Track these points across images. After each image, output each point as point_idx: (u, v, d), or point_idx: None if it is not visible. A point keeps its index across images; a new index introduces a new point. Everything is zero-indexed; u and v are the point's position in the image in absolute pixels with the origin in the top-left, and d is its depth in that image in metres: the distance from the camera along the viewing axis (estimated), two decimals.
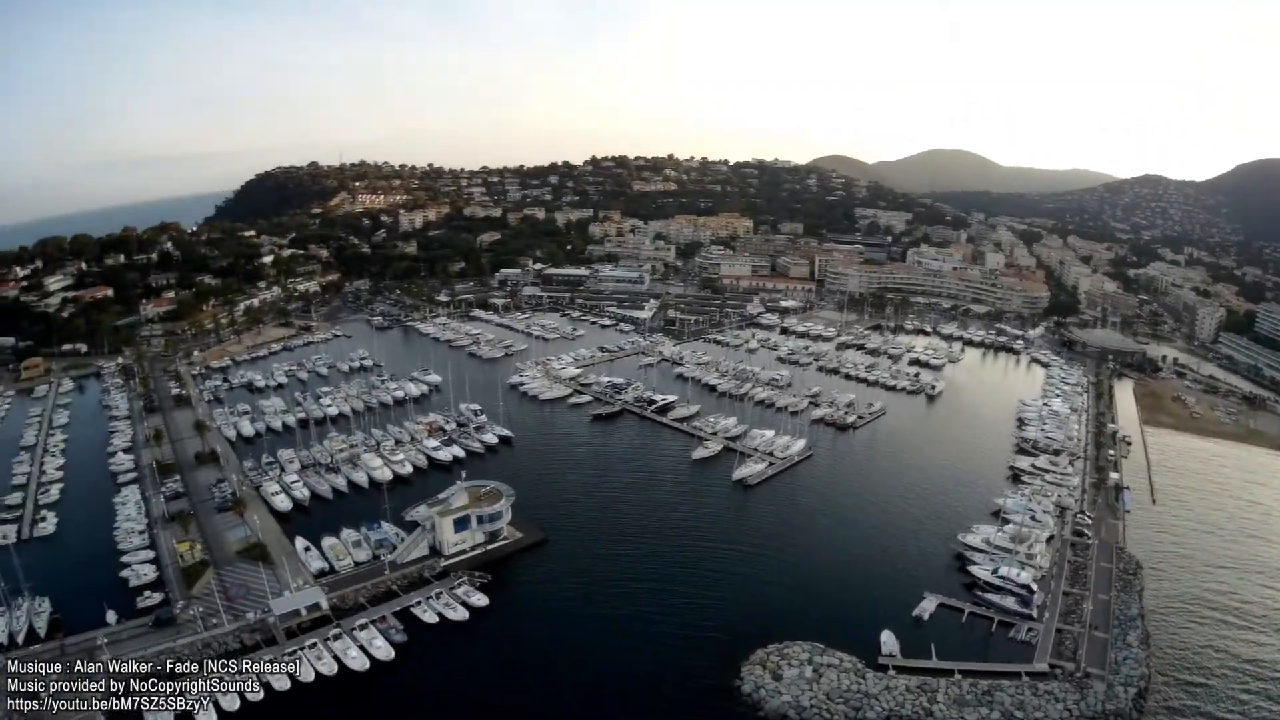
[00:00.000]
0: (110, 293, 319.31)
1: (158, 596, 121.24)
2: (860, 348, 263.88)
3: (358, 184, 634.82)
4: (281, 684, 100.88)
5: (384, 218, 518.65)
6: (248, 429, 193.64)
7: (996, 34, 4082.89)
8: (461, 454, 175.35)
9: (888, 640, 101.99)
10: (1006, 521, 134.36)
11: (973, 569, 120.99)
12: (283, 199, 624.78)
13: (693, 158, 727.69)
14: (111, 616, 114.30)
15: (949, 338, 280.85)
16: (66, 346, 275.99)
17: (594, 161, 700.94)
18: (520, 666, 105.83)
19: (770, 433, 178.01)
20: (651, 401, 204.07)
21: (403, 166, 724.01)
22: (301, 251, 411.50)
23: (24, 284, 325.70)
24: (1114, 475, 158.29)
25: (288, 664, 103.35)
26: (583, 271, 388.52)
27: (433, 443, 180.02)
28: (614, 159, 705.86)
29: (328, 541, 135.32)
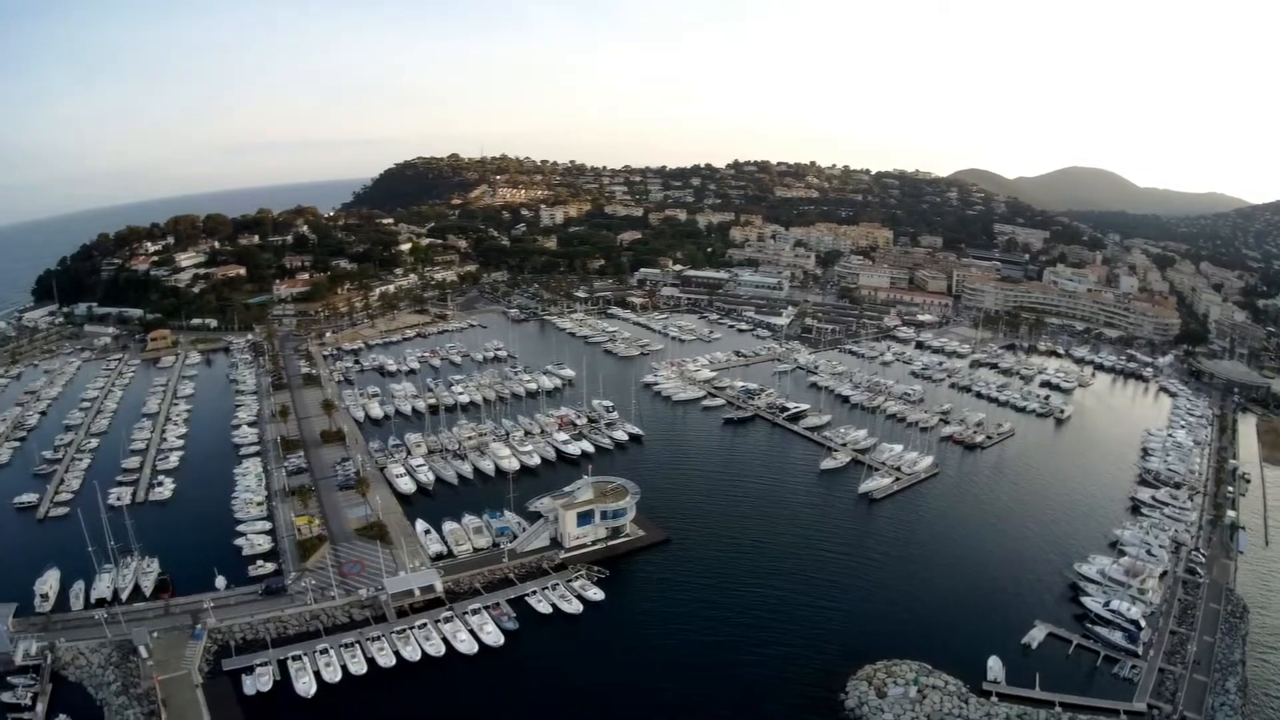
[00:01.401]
0: (243, 271, 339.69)
1: (270, 566, 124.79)
2: (993, 366, 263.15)
3: (498, 177, 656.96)
4: (386, 660, 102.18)
5: (524, 212, 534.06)
6: (376, 411, 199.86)
7: (1140, 51, 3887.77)
8: (590, 449, 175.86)
9: (994, 666, 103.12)
10: (1123, 553, 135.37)
11: (1085, 600, 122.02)
12: (422, 189, 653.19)
13: (834, 165, 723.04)
14: (221, 582, 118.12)
15: (1080, 361, 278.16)
16: (195, 321, 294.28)
17: (736, 165, 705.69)
18: (628, 663, 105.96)
19: (899, 447, 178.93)
20: (784, 409, 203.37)
21: (544, 162, 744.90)
22: (440, 241, 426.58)
23: (154, 259, 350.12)
24: (1230, 513, 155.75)
25: (395, 642, 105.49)
26: (722, 275, 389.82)
27: (562, 436, 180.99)
28: (756, 163, 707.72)
29: (448, 526, 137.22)
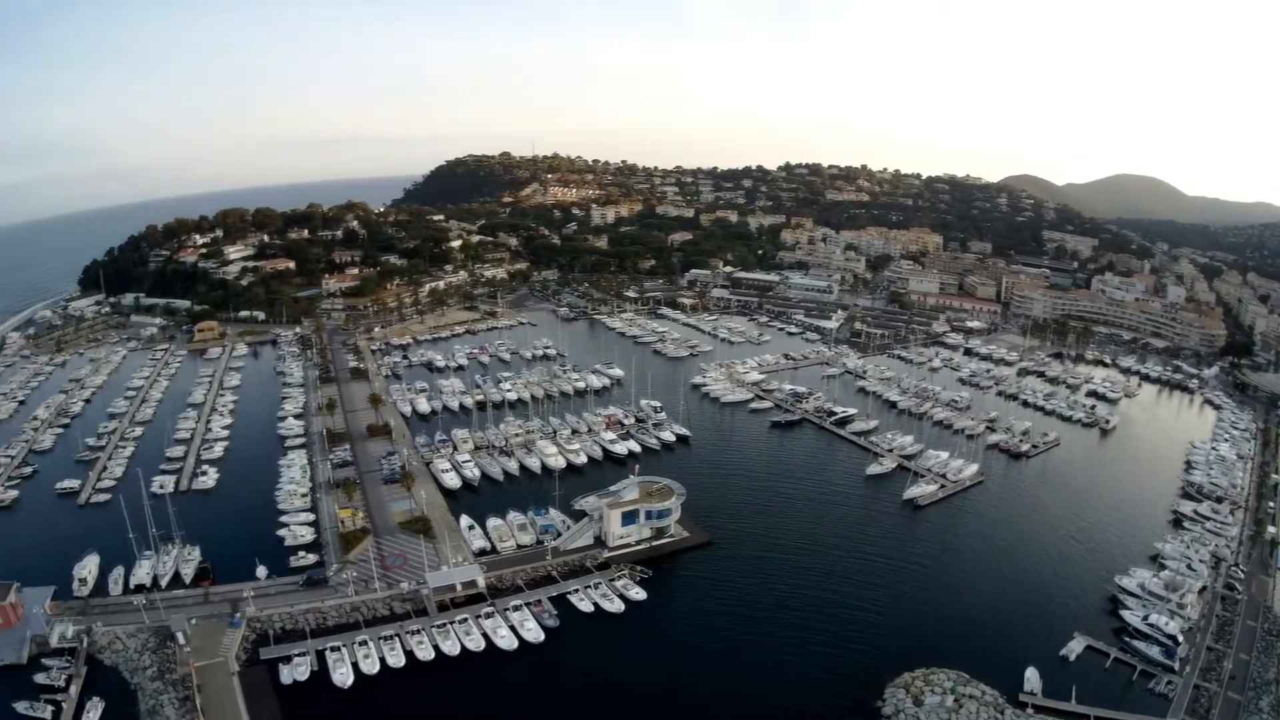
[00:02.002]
0: (292, 265, 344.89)
1: (312, 558, 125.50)
2: (1040, 375, 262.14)
3: (550, 176, 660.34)
4: (425, 654, 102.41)
5: (575, 210, 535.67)
6: (424, 406, 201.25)
7: (1190, 59, 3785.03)
8: (637, 449, 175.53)
9: (1031, 677, 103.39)
10: (1163, 567, 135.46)
11: (1124, 613, 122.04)
12: (473, 186, 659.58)
13: (885, 169, 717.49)
14: (262, 572, 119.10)
15: (1127, 371, 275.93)
16: (243, 313, 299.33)
17: (787, 167, 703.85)
18: (668, 663, 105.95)
19: (945, 454, 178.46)
20: (831, 413, 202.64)
21: (595, 161, 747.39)
22: (490, 238, 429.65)
23: (203, 251, 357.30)
24: (1271, 529, 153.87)
25: (435, 636, 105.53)
26: (772, 277, 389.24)
27: (610, 435, 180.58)
28: (807, 166, 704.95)
29: (492, 522, 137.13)
